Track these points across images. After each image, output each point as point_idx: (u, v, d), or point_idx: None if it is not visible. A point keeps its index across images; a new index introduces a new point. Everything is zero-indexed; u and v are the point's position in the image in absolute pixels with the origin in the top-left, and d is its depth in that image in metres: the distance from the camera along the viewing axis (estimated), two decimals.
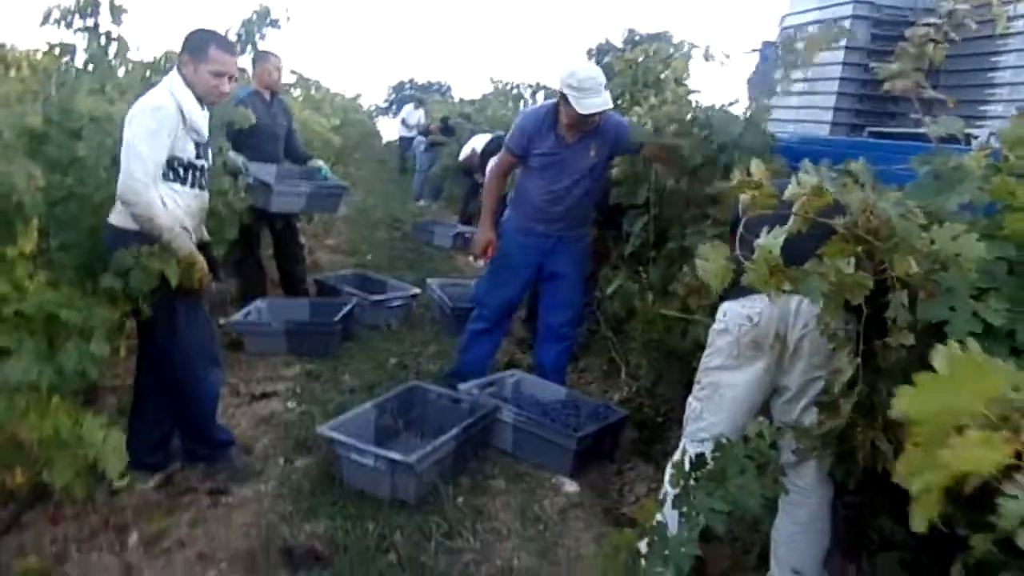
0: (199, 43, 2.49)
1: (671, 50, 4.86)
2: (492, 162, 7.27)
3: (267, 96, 4.55)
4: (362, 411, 2.91)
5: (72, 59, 2.96)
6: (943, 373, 0.92)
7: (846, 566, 2.29)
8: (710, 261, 1.56)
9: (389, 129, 23.16)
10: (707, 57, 4.26)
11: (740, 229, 1.51)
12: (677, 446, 3.18)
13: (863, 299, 1.58)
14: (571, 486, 2.82)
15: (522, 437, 2.95)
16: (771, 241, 1.48)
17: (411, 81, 39.53)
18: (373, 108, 26.37)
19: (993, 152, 1.83)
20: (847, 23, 3.02)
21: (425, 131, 10.96)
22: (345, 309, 4.26)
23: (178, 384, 2.62)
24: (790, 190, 1.51)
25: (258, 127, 4.03)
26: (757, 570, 2.29)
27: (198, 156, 2.55)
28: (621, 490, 2.88)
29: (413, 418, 3.11)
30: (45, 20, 2.88)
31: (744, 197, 1.53)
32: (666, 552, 1.43)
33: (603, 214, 3.90)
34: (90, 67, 3.01)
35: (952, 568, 1.39)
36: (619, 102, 4.79)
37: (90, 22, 2.94)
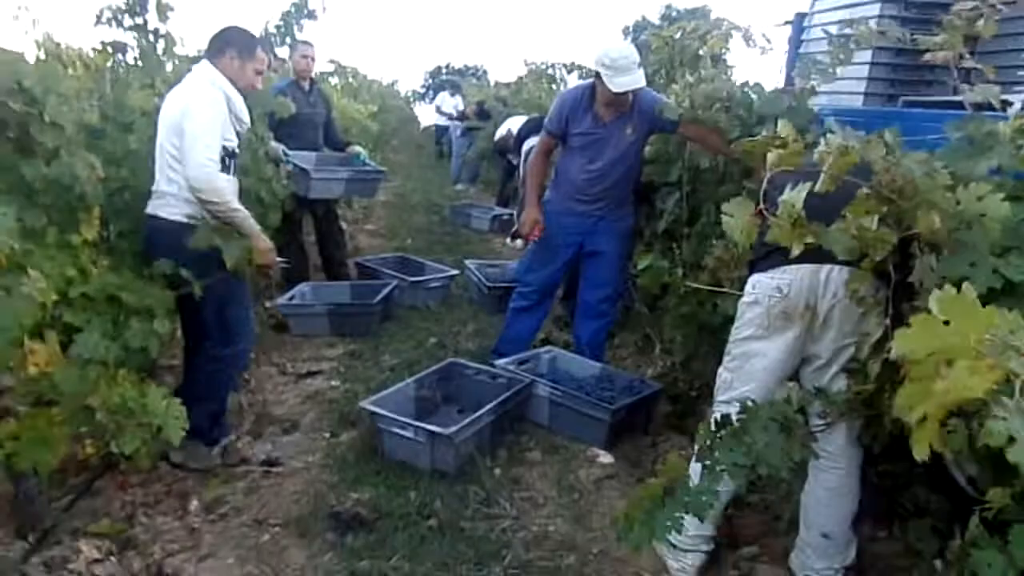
0: (247, 43, 2.67)
1: (708, 27, 4.82)
2: (528, 144, 7.34)
3: (305, 85, 4.69)
4: (402, 387, 3.03)
5: (124, 56, 3.11)
6: (937, 314, 0.97)
7: (876, 532, 2.33)
8: (735, 217, 1.61)
9: (427, 114, 23.31)
10: (748, 41, 4.24)
11: (765, 185, 1.56)
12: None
13: (890, 263, 1.62)
14: (606, 457, 2.90)
15: (558, 411, 3.04)
16: (794, 195, 1.52)
17: (448, 66, 39.57)
18: (411, 94, 26.53)
19: None
20: None
21: (462, 116, 11.04)
22: (385, 291, 4.38)
23: (215, 367, 2.72)
24: (818, 151, 1.54)
25: (298, 116, 4.16)
26: (787, 535, 2.34)
27: (238, 145, 2.70)
28: (655, 461, 2.94)
29: (451, 393, 3.22)
30: (98, 20, 3.04)
31: (771, 156, 1.57)
32: (686, 498, 1.50)
33: (636, 192, 3.93)
34: (139, 64, 3.16)
35: (970, 520, 1.43)
36: (656, 79, 4.79)
37: (139, 20, 3.09)
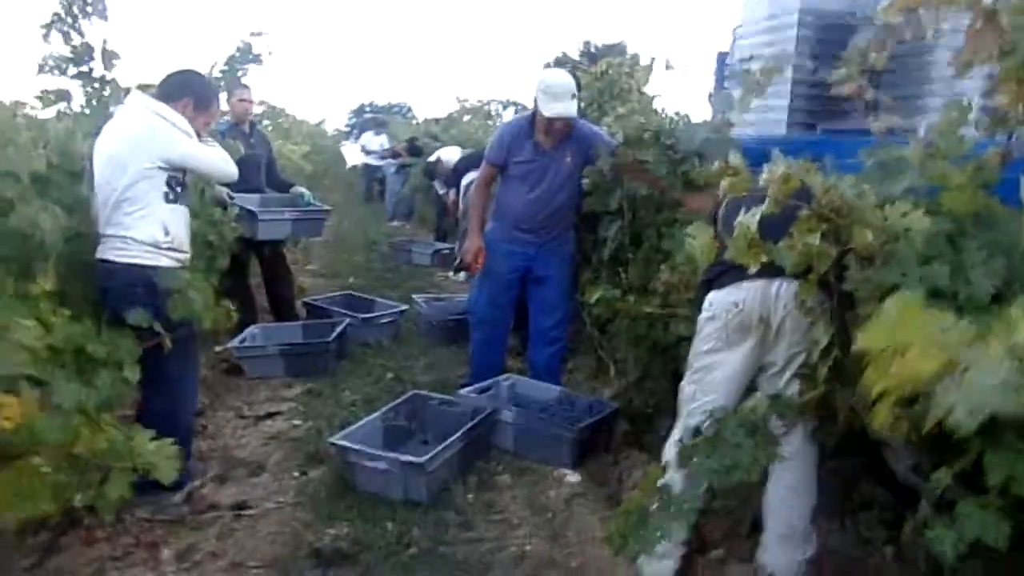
0: (205, 95, 2.75)
1: (632, 61, 5.11)
2: (468, 178, 7.50)
3: (245, 128, 4.70)
4: (369, 420, 3.07)
5: (68, 104, 3.08)
6: (891, 315, 1.13)
7: (830, 526, 2.50)
8: (697, 238, 1.76)
9: (352, 153, 23.22)
10: (668, 67, 4.53)
11: (721, 210, 1.72)
12: (668, 435, 3.42)
13: (832, 275, 1.80)
14: (573, 477, 3.00)
15: (523, 435, 3.13)
16: (749, 219, 1.69)
17: (371, 104, 39.59)
18: (335, 132, 26.43)
19: (928, 143, 2.07)
20: (794, 31, 3.28)
21: (394, 154, 11.13)
22: (339, 329, 4.39)
23: (174, 413, 2.68)
24: (764, 177, 1.72)
25: (241, 158, 4.17)
26: (750, 536, 2.48)
27: (184, 175, 2.70)
28: (620, 477, 3.06)
29: (416, 425, 3.26)
30: (41, 68, 3.00)
31: (724, 183, 1.73)
32: (672, 508, 1.62)
33: (580, 220, 4.10)
34: (85, 112, 3.14)
35: (920, 503, 1.59)
36: (589, 112, 5.03)
37: (84, 68, 3.07)
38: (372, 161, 12.45)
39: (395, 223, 10.77)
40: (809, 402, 1.94)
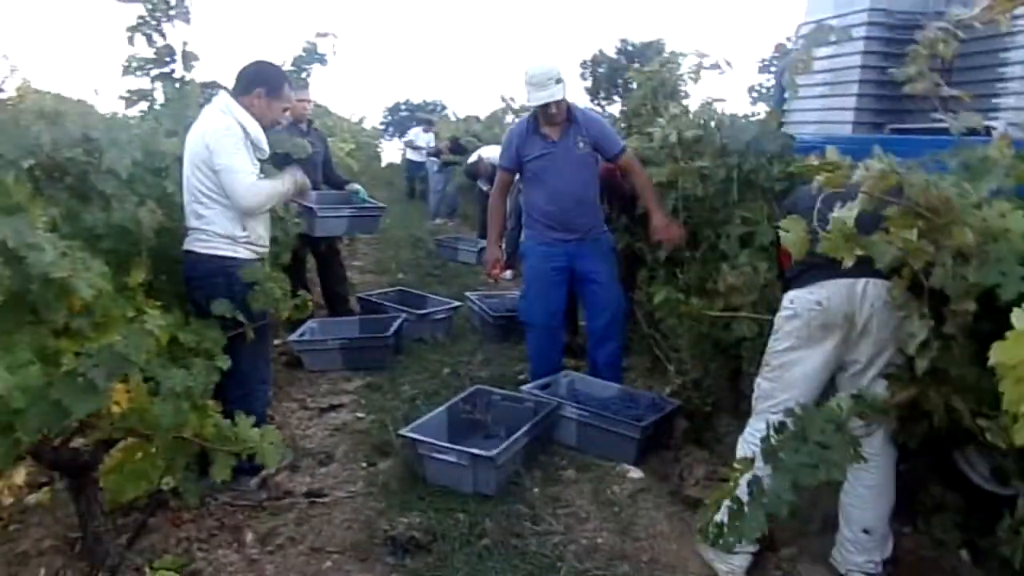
0: (276, 81, 2.78)
1: (672, 59, 5.07)
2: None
3: (303, 126, 4.81)
4: (435, 414, 3.13)
5: (151, 105, 3.21)
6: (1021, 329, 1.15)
7: (902, 528, 2.50)
8: (791, 232, 1.78)
9: (388, 151, 23.50)
10: (714, 65, 4.53)
11: (818, 204, 1.73)
12: (727, 432, 3.43)
13: (922, 271, 1.79)
14: (636, 472, 3.03)
15: (586, 431, 3.16)
16: (845, 213, 1.70)
17: (407, 102, 39.97)
18: (371, 130, 26.75)
19: (1014, 141, 2.05)
20: (863, 29, 3.25)
21: (436, 152, 11.23)
22: (396, 324, 4.48)
23: (249, 402, 2.70)
24: (858, 174, 1.73)
25: (297, 156, 4.27)
26: (820, 535, 2.49)
27: (261, 170, 2.79)
28: (681, 474, 3.08)
29: (481, 419, 3.31)
30: (126, 69, 3.13)
31: (819, 178, 1.75)
32: (764, 500, 1.64)
33: (635, 221, 4.12)
34: (165, 112, 3.26)
35: (1018, 503, 1.59)
36: (642, 112, 5.03)
37: (165, 70, 3.19)
38: (416, 158, 12.56)
39: (438, 221, 10.88)
40: (898, 402, 1.93)
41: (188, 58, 3.21)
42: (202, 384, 2.18)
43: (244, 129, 2.66)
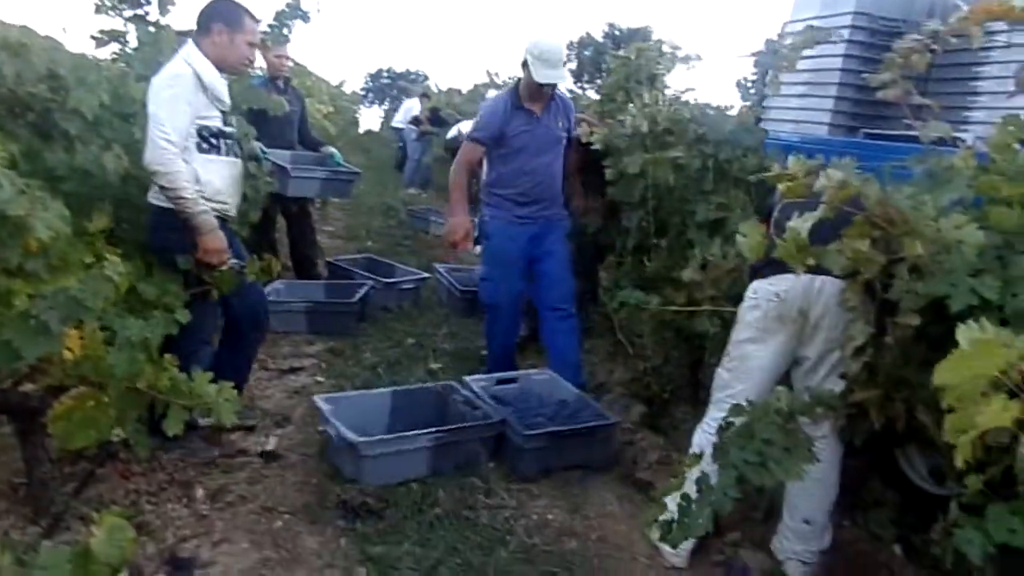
0: (233, 14, 2.60)
1: (656, 46, 5.06)
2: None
3: (280, 83, 4.71)
4: (379, 394, 3.10)
5: (124, 46, 3.11)
6: (966, 349, 1.19)
7: (841, 520, 2.58)
8: (748, 236, 1.81)
9: (368, 118, 23.16)
10: (684, 59, 4.55)
11: (776, 213, 1.76)
12: (683, 419, 3.49)
13: (876, 278, 1.84)
14: None
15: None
16: (801, 224, 1.73)
17: (389, 70, 39.34)
18: (352, 95, 26.31)
19: (979, 154, 2.11)
20: (846, 32, 3.29)
21: (416, 120, 11.11)
22: (362, 291, 4.45)
23: (188, 360, 2.49)
24: (819, 183, 1.76)
25: (274, 113, 4.18)
26: (764, 522, 2.57)
27: (225, 122, 2.65)
28: (635, 458, 3.13)
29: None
30: (98, 8, 3.03)
31: (780, 186, 1.78)
32: (711, 498, 1.68)
33: (606, 209, 4.13)
34: (137, 56, 3.16)
35: (950, 505, 1.65)
36: (617, 98, 5.02)
37: (139, 11, 3.09)
38: (400, 126, 12.35)
39: (411, 191, 10.78)
40: (853, 401, 1.98)
41: (164, 2, 3.11)
42: (160, 336, 2.15)
43: (200, 79, 2.50)
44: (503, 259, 3.54)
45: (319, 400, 2.84)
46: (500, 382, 3.28)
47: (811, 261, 1.83)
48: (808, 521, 2.24)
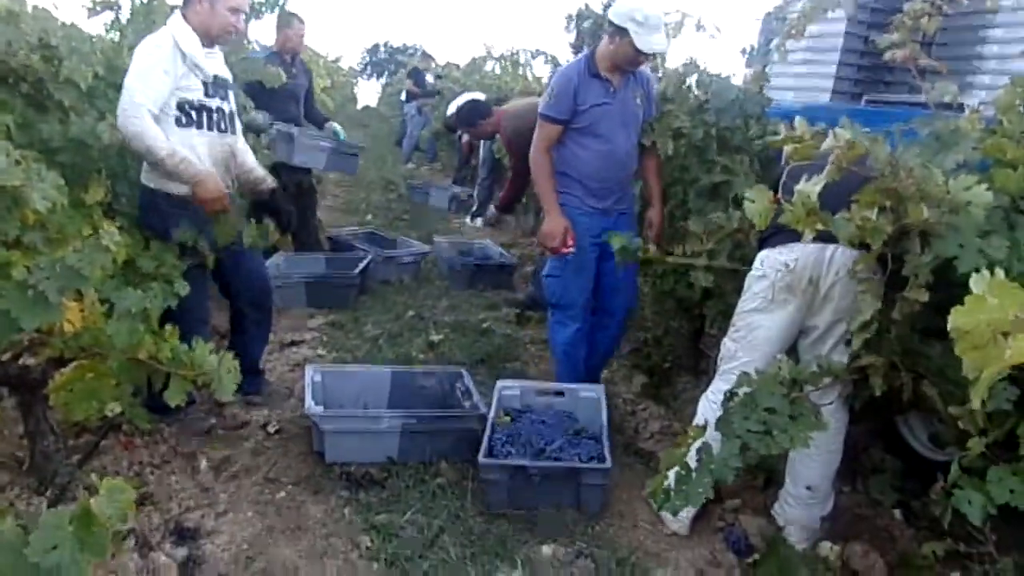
0: None
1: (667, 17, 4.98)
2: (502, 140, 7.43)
3: (288, 58, 4.65)
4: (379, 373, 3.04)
5: (117, 16, 3.06)
6: (980, 294, 1.18)
7: (842, 487, 2.60)
8: (755, 201, 1.79)
9: (365, 92, 22.95)
10: (698, 27, 4.48)
11: (783, 176, 1.73)
12: (684, 389, 3.50)
13: (888, 252, 1.81)
14: None
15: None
16: (810, 187, 1.71)
17: (386, 44, 38.93)
18: (349, 70, 26.03)
19: (984, 117, 2.08)
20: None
21: (411, 96, 10.99)
22: (363, 264, 4.44)
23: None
24: (827, 143, 1.73)
25: (279, 87, 4.12)
26: (764, 489, 2.59)
27: (208, 95, 2.56)
28: (636, 428, 3.15)
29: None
30: None
31: (787, 148, 1.75)
32: (711, 466, 1.68)
33: None
34: (130, 26, 3.11)
35: (952, 466, 1.65)
36: None
37: None
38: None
39: (410, 165, 10.73)
40: (859, 366, 1.96)
41: None
42: (160, 307, 2.14)
43: (179, 49, 2.43)
44: (576, 255, 3.00)
45: (308, 370, 2.84)
46: (542, 392, 2.96)
47: (820, 226, 1.80)
48: (811, 488, 2.25)
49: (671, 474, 1.83)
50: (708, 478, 1.74)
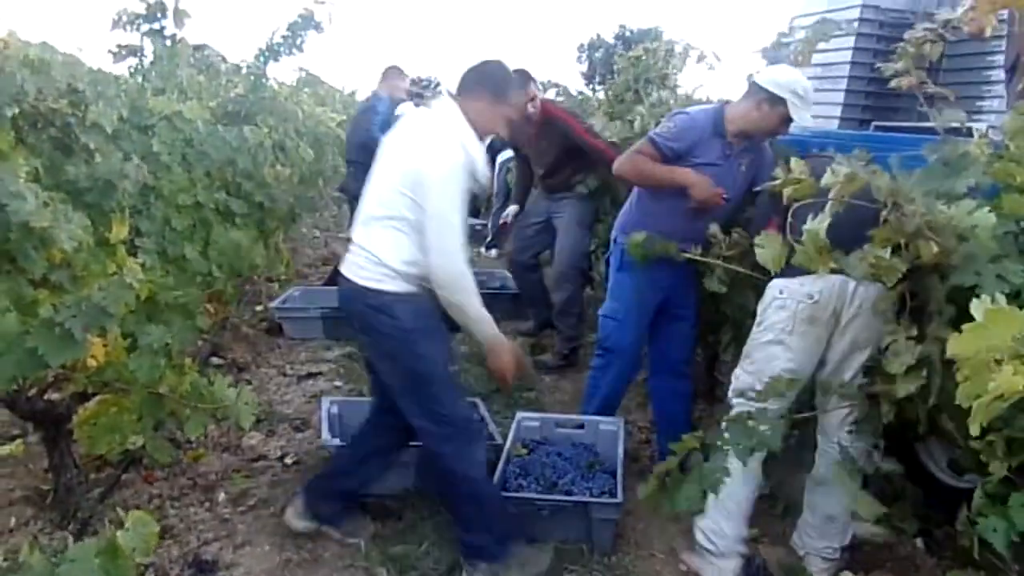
0: (500, 83, 2.13)
1: (667, 47, 5.05)
2: (503, 156, 7.48)
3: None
4: None
5: (140, 61, 3.17)
6: (980, 321, 1.19)
7: None
8: (767, 247, 1.80)
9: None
10: (701, 58, 4.55)
11: (790, 218, 1.75)
12: (699, 416, 3.47)
13: (905, 289, 1.80)
14: None
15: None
16: (817, 226, 1.72)
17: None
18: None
19: (992, 142, 2.09)
20: (855, 24, 3.28)
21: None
22: None
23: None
24: (826, 178, 1.75)
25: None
26: (783, 518, 2.56)
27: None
28: (652, 456, 3.13)
29: None
30: (115, 23, 3.09)
31: (787, 190, 1.77)
32: (701, 478, 1.69)
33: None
34: (153, 70, 3.22)
35: (975, 493, 1.64)
36: (626, 97, 5.02)
37: (156, 26, 3.15)
38: None
39: None
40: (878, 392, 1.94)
41: (180, 15, 3.17)
42: (180, 342, 2.19)
43: (468, 156, 2.01)
44: (638, 301, 2.89)
45: (324, 403, 2.88)
46: (561, 425, 2.95)
47: (832, 265, 1.79)
48: (831, 518, 2.22)
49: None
50: (697, 487, 1.73)
